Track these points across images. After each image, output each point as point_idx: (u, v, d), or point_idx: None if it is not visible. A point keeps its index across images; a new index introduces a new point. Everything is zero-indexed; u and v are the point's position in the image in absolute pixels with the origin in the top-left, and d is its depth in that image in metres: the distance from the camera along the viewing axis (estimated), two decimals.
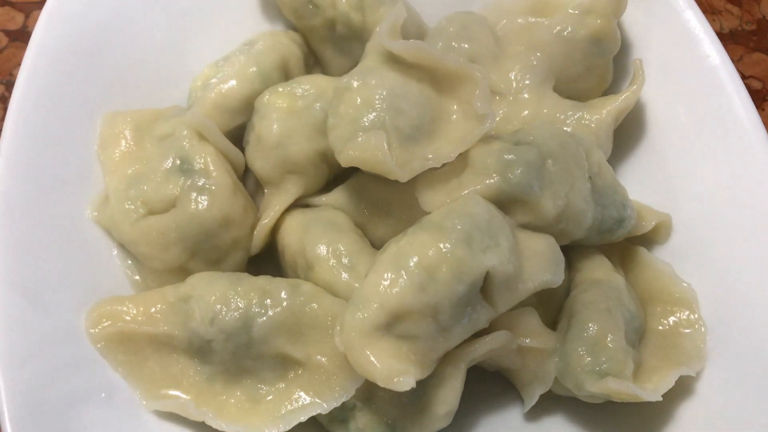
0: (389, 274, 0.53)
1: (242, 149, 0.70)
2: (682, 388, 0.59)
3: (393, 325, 0.53)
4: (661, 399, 0.56)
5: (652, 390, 0.56)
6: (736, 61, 0.92)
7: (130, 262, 0.65)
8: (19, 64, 0.89)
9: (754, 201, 0.63)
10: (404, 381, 0.51)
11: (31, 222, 0.60)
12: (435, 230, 0.54)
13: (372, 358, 0.52)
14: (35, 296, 0.58)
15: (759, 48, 0.93)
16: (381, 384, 0.51)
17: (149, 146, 0.66)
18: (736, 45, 0.93)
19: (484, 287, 0.55)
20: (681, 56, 0.70)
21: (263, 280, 0.60)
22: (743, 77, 0.91)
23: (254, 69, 0.70)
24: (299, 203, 0.68)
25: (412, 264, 0.53)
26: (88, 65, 0.68)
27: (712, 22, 0.95)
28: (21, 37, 0.90)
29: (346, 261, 0.62)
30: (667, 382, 0.57)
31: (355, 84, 0.61)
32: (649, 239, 0.68)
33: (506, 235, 0.56)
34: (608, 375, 0.56)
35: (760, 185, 0.63)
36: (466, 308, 0.55)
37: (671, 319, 0.63)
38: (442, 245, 0.53)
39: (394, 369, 0.51)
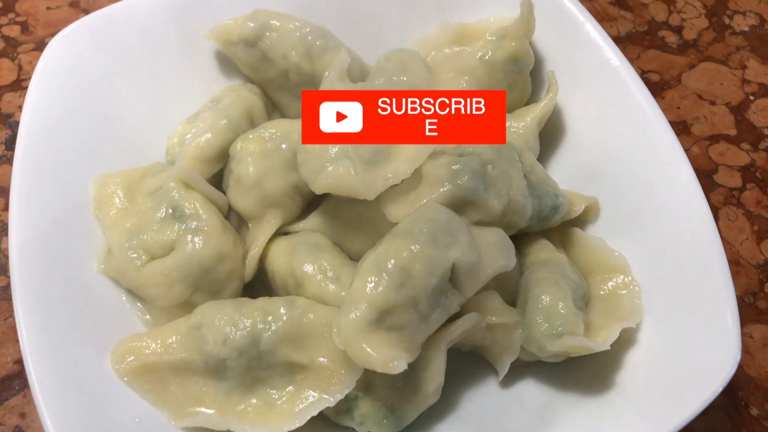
0: (373, 278, 0.61)
1: (223, 191, 0.78)
2: (627, 339, 0.69)
3: (381, 319, 0.61)
4: (609, 348, 0.65)
5: (602, 342, 0.65)
6: (635, 59, 1.04)
7: (139, 304, 0.73)
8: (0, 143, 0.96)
9: (662, 171, 0.74)
10: (398, 364, 0.59)
11: (48, 283, 0.68)
12: (406, 236, 0.63)
13: (369, 350, 0.59)
14: (63, 349, 0.65)
15: (653, 45, 1.06)
16: (379, 370, 0.59)
17: (141, 200, 0.74)
18: (633, 45, 1.06)
19: (452, 277, 0.64)
20: (586, 62, 0.81)
21: (262, 301, 0.69)
22: (643, 72, 1.04)
23: (225, 121, 0.78)
24: (280, 232, 0.77)
25: (390, 266, 0.61)
26: (75, 137, 0.76)
27: (609, 28, 1.08)
28: None
29: (331, 275, 0.71)
30: (612, 335, 0.66)
31: None
32: (582, 220, 0.79)
33: (464, 231, 0.66)
34: (564, 335, 0.66)
35: (664, 158, 0.74)
36: (440, 297, 0.64)
37: (610, 284, 0.73)
38: (413, 247, 0.62)
39: (388, 356, 0.59)
